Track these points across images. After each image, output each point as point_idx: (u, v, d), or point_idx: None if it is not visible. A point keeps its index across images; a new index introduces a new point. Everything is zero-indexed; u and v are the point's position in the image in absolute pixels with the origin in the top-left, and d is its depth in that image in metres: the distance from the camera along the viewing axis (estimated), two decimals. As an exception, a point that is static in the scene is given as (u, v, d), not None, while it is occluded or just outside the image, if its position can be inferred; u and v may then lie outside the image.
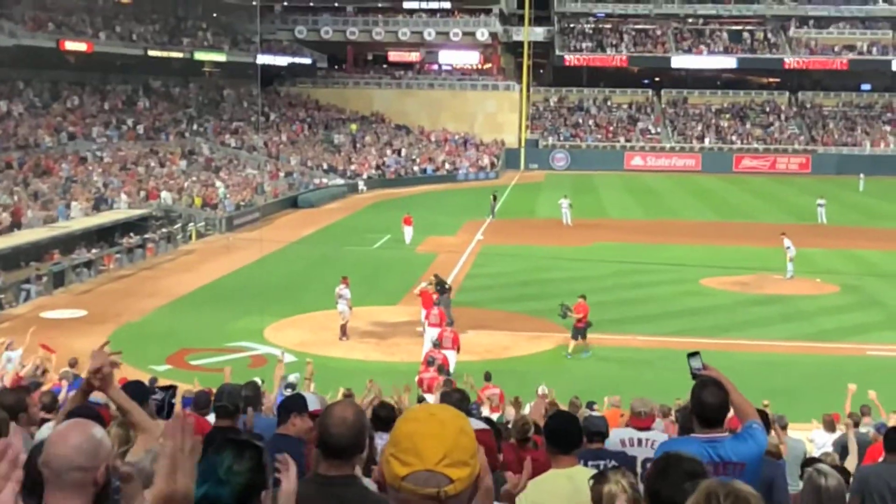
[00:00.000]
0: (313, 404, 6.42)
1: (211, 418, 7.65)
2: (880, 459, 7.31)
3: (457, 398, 7.95)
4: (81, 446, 2.68)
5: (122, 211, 41.04)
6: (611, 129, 78.33)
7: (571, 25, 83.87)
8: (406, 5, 79.38)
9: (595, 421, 7.06)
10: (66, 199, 39.73)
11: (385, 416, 7.68)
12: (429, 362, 18.80)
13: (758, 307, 28.89)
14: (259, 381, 11.65)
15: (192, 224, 42.44)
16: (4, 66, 49.77)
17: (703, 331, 25.08)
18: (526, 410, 12.95)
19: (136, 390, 5.68)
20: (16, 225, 35.29)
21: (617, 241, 40.68)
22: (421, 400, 15.85)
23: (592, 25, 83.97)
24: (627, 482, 4.18)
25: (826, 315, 27.95)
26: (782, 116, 79.71)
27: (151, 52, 60.86)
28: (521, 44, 78.99)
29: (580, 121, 79.64)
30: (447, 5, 79.98)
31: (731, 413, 5.09)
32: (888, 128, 77.09)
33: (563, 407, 12.39)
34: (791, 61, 79.55)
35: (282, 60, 75.54)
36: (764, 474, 5.86)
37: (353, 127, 73.06)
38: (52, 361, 15.42)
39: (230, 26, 73.56)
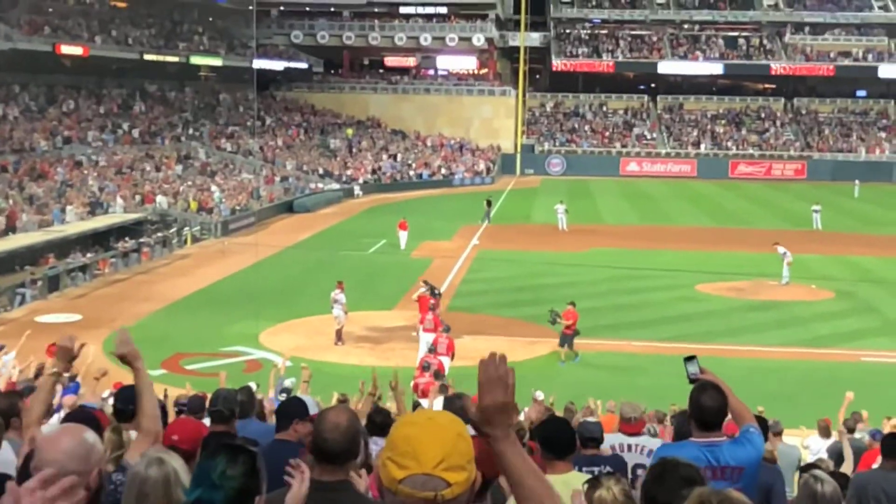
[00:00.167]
0: (312, 408, 6.39)
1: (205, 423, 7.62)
2: (877, 465, 7.31)
3: (459, 405, 7.90)
4: (73, 451, 2.67)
5: (117, 215, 41.02)
6: (606, 134, 78.43)
7: (567, 31, 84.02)
8: (402, 10, 79.42)
9: (589, 427, 7.05)
10: (61, 203, 39.68)
11: (381, 422, 7.66)
12: (424, 367, 18.78)
13: (753, 313, 28.92)
14: (254, 386, 11.62)
15: (187, 228, 42.44)
16: (0, 70, 49.72)
17: (698, 336, 25.07)
18: (521, 417, 12.92)
19: (130, 395, 5.65)
20: (11, 229, 35.23)
21: (612, 246, 40.72)
22: (417, 405, 15.80)
23: (588, 31, 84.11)
24: (620, 488, 4.17)
25: (821, 321, 27.98)
26: (778, 122, 79.89)
27: (147, 57, 60.78)
28: (517, 49, 79.12)
29: (576, 126, 79.75)
30: (443, 10, 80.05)
31: (728, 418, 5.09)
32: (883, 134, 77.31)
33: (559, 413, 12.37)
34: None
35: (278, 65, 75.54)
36: (763, 480, 5.86)
37: (349, 132, 73.10)
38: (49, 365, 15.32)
39: (226, 30, 73.56)
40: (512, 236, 44.01)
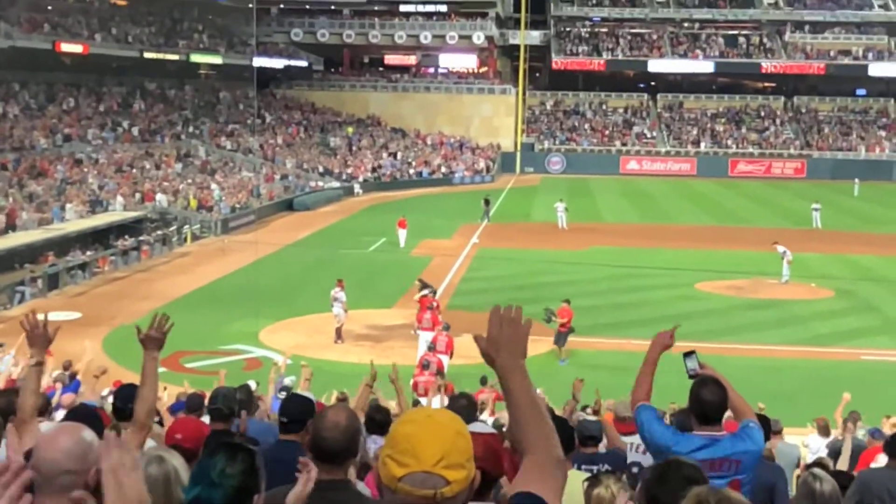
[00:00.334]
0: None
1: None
2: (881, 464, 7.28)
3: (463, 404, 7.87)
4: (71, 450, 2.66)
5: (117, 213, 41.01)
6: (606, 133, 78.41)
7: (567, 29, 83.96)
8: (402, 8, 79.39)
9: (589, 425, 7.06)
10: (60, 201, 39.67)
11: (380, 420, 7.66)
12: (424, 366, 18.78)
13: (752, 311, 28.91)
14: (254, 385, 11.62)
15: (187, 226, 42.42)
16: (0, 68, 49.70)
17: (698, 335, 24.90)
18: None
19: (130, 393, 5.65)
20: (10, 227, 35.22)
21: (612, 244, 40.70)
22: (416, 403, 15.80)
23: (588, 29, 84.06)
24: (619, 487, 4.17)
25: (821, 320, 27.98)
26: (777, 121, 79.86)
27: (147, 55, 60.76)
28: (517, 47, 79.10)
29: (576, 124, 79.73)
30: (443, 9, 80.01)
31: (728, 416, 5.09)
32: (883, 133, 77.28)
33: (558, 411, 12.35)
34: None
35: (278, 63, 75.52)
36: (765, 479, 5.85)
37: (349, 130, 73.09)
38: (48, 364, 15.34)
39: (226, 28, 73.52)
40: (512, 235, 44.00)
